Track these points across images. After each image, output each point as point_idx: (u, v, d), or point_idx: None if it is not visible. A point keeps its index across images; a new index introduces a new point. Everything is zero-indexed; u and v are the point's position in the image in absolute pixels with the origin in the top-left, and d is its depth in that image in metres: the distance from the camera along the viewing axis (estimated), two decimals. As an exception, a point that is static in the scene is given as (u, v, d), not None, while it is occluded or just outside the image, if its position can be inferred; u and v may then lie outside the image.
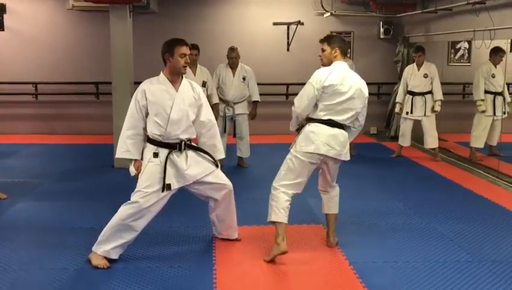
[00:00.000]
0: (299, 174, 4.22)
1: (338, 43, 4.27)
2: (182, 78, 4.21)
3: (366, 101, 4.31)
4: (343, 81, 4.13)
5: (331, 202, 4.52)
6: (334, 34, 4.38)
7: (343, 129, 4.22)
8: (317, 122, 4.17)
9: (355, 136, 4.48)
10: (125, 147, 4.12)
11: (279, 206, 4.20)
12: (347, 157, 4.29)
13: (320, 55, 4.35)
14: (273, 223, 4.24)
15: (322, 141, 4.13)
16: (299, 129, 4.34)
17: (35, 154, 8.37)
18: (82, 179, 6.82)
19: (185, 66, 4.09)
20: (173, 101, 4.08)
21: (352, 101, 4.16)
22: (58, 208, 5.56)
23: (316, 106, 4.18)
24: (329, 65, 4.24)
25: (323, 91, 4.10)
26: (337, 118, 4.16)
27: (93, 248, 4.08)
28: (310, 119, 4.23)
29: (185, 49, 4.08)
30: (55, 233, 4.80)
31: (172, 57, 4.06)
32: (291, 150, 4.26)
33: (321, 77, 4.13)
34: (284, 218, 4.21)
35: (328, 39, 4.31)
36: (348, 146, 4.29)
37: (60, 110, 10.15)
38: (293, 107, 4.26)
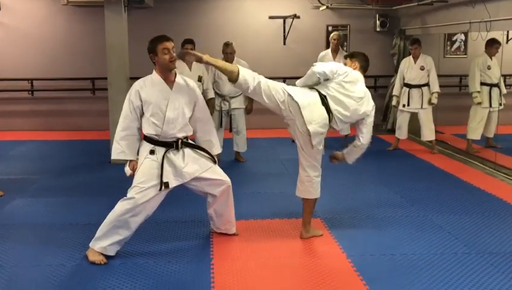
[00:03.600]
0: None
1: (358, 58, 4.60)
2: (176, 75, 4.19)
3: (370, 118, 4.48)
4: (356, 83, 4.37)
5: (298, 184, 4.57)
6: (358, 51, 4.77)
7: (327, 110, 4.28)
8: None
9: (355, 156, 4.56)
10: (120, 148, 4.11)
11: None
12: (312, 128, 4.23)
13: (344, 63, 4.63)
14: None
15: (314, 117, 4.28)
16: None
17: (31, 151, 8.35)
18: (78, 175, 6.81)
19: (172, 61, 4.06)
20: (168, 100, 4.06)
21: (353, 102, 4.33)
22: (55, 204, 5.55)
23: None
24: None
25: (335, 78, 4.31)
26: (337, 110, 4.30)
27: (90, 244, 4.08)
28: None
29: (166, 44, 4.04)
30: (52, 229, 4.79)
31: (156, 56, 4.05)
32: None
33: (345, 68, 4.41)
34: None
35: (351, 56, 4.66)
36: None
37: (56, 106, 10.12)
38: (313, 68, 4.33)
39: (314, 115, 4.19)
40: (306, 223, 4.53)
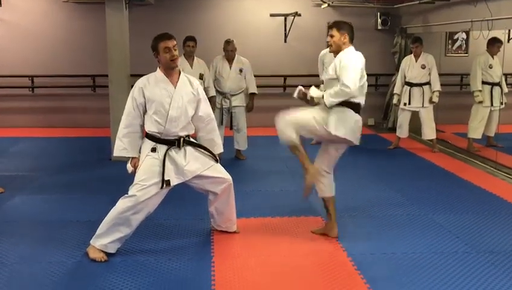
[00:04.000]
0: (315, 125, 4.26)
1: (347, 29, 4.32)
2: (180, 73, 4.19)
3: None
4: (363, 67, 4.28)
5: (331, 183, 4.51)
6: (343, 20, 4.39)
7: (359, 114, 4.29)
8: (347, 106, 4.19)
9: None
10: (122, 145, 4.10)
11: None
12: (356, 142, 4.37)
13: (328, 41, 4.35)
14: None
15: (350, 126, 4.20)
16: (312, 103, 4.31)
17: (31, 148, 8.34)
18: (79, 172, 6.80)
19: (174, 60, 4.05)
20: (171, 98, 4.06)
21: (364, 81, 4.28)
22: (56, 202, 5.55)
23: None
24: (338, 52, 4.29)
25: (362, 71, 4.23)
26: (362, 101, 4.28)
27: (91, 241, 4.07)
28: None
29: (168, 43, 4.03)
30: (52, 226, 4.78)
31: (158, 54, 4.05)
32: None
33: (358, 60, 4.22)
34: None
35: (337, 25, 4.33)
36: None
37: (56, 103, 10.11)
38: (348, 85, 4.05)
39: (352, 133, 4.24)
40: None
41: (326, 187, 4.49)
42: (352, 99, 4.16)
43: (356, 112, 4.23)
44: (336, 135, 4.16)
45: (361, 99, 4.25)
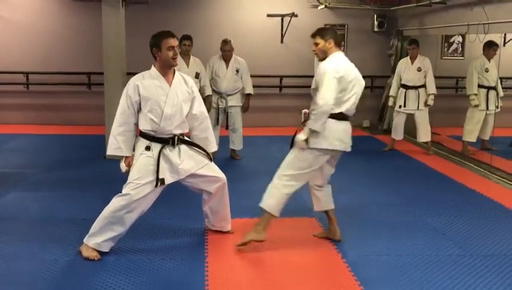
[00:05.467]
0: (309, 166, 4.18)
1: (331, 34, 4.21)
2: (174, 71, 4.17)
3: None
4: (349, 71, 4.13)
5: (327, 196, 4.48)
6: (324, 27, 4.30)
7: (348, 121, 4.23)
8: (329, 117, 4.09)
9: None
10: (116, 144, 4.07)
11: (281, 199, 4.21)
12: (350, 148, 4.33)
13: (314, 50, 4.26)
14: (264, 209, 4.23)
15: (336, 136, 4.12)
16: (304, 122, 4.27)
17: (26, 145, 8.31)
18: (73, 169, 6.78)
19: (175, 59, 4.04)
20: (167, 96, 4.04)
21: (355, 91, 4.16)
22: (49, 199, 5.52)
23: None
24: (325, 58, 4.18)
25: (339, 83, 4.05)
26: (345, 109, 4.14)
27: (85, 240, 4.05)
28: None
29: (172, 41, 4.02)
30: (45, 224, 4.76)
31: (160, 51, 4.01)
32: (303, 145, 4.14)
33: (337, 67, 4.07)
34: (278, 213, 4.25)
35: (319, 32, 4.23)
36: None
37: (51, 100, 10.08)
38: (321, 106, 3.96)
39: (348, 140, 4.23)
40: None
41: (322, 202, 4.48)
42: (332, 111, 4.07)
43: (342, 120, 4.14)
44: (319, 147, 4.10)
45: (344, 108, 4.12)
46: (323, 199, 4.47)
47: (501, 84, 7.93)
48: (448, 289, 3.67)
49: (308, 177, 4.26)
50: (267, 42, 10.16)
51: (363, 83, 4.26)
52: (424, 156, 8.01)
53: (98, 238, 4.01)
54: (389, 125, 9.48)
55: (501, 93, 7.86)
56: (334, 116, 4.09)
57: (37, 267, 3.86)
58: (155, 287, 3.63)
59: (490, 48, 7.58)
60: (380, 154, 8.18)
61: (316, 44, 4.21)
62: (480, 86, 7.70)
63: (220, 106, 7.31)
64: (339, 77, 4.03)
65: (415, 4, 8.87)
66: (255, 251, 4.24)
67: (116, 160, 4.18)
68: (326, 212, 4.52)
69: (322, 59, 4.21)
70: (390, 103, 8.37)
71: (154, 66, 4.12)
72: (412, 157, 7.91)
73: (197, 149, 4.24)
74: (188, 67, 6.93)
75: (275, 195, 4.21)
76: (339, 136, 4.13)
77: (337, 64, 4.11)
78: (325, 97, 3.97)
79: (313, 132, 4.06)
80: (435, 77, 7.99)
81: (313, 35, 4.24)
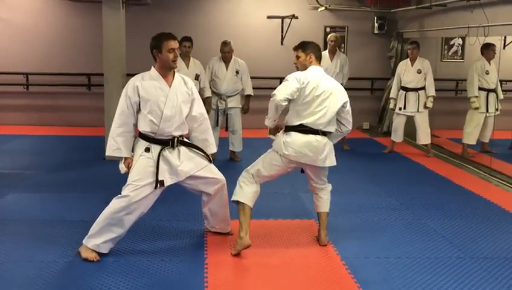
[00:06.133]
0: (273, 166, 4.33)
1: (312, 49, 4.34)
2: (174, 73, 4.17)
3: (348, 107, 4.29)
4: (319, 83, 4.17)
5: (319, 201, 4.47)
6: (307, 41, 4.43)
7: (319, 134, 4.18)
8: (291, 130, 4.19)
9: (338, 139, 4.48)
10: (115, 145, 4.06)
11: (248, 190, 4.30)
12: (326, 163, 4.24)
13: (295, 63, 4.40)
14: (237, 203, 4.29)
15: (294, 148, 4.15)
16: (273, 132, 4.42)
17: (25, 146, 8.30)
18: (73, 171, 6.77)
19: (175, 61, 4.04)
20: (166, 98, 4.03)
21: (325, 104, 4.16)
22: (49, 200, 5.52)
23: (288, 111, 4.25)
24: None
25: (300, 91, 4.12)
26: (309, 121, 4.14)
27: (84, 241, 4.05)
28: (286, 128, 4.26)
29: (173, 43, 4.02)
30: (45, 225, 4.75)
31: (160, 53, 4.01)
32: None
33: (300, 76, 4.18)
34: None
35: (301, 46, 4.36)
36: (327, 151, 4.23)
37: (51, 101, 10.07)
38: (272, 98, 4.18)
39: (324, 156, 4.21)
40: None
41: (318, 204, 4.48)
42: (292, 123, 4.19)
43: (305, 133, 4.15)
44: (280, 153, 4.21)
45: (307, 120, 4.15)
46: (314, 201, 4.52)
47: (501, 86, 7.94)
48: (448, 291, 3.68)
49: (270, 171, 4.36)
50: (267, 44, 10.16)
51: (342, 97, 4.25)
52: (424, 158, 8.00)
53: (97, 240, 4.00)
54: (388, 128, 9.48)
55: (501, 96, 7.87)
56: (293, 128, 4.20)
57: (36, 269, 3.86)
58: (154, 288, 3.63)
59: (489, 48, 7.59)
60: (379, 156, 8.18)
61: (298, 57, 4.36)
62: (480, 89, 7.70)
63: (219, 108, 7.31)
64: (298, 86, 4.14)
65: (415, 6, 8.88)
66: (254, 253, 4.24)
67: (116, 161, 4.18)
68: (318, 215, 4.53)
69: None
70: (391, 106, 8.37)
71: (154, 67, 4.12)
72: (411, 160, 7.91)
73: (196, 151, 4.24)
74: (187, 68, 6.93)
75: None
76: (296, 147, 4.15)
77: (306, 75, 4.20)
78: (276, 93, 4.18)
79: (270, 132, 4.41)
80: (435, 79, 7.99)
81: (295, 48, 4.41)
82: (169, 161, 4.06)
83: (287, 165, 4.28)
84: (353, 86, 8.60)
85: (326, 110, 4.16)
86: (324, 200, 4.47)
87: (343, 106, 4.25)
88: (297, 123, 4.17)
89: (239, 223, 4.23)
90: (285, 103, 4.16)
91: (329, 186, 4.50)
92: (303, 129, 4.16)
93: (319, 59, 4.35)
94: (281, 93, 4.15)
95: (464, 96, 8.04)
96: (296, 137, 4.16)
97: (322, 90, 4.15)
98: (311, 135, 4.16)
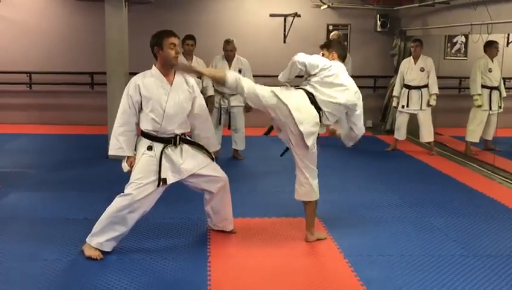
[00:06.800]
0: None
1: (335, 47, 4.50)
2: (175, 71, 4.17)
3: (358, 111, 4.35)
4: (339, 74, 4.28)
5: (296, 187, 4.40)
6: (334, 40, 4.57)
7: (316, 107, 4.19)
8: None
9: (351, 141, 4.57)
10: (118, 144, 4.07)
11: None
12: (301, 128, 4.10)
13: None
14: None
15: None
16: None
17: (28, 144, 8.32)
18: (76, 169, 6.78)
19: (176, 57, 4.04)
20: (168, 96, 4.04)
21: (338, 95, 4.21)
22: (52, 199, 5.52)
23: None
24: None
25: (321, 71, 4.22)
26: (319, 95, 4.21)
27: (87, 240, 4.05)
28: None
29: (174, 39, 4.02)
30: (48, 224, 4.76)
31: (161, 50, 4.01)
32: None
33: (325, 60, 4.33)
34: None
35: (326, 45, 4.56)
36: (315, 129, 4.19)
37: (54, 100, 10.09)
38: (294, 57, 4.27)
39: (304, 115, 4.11)
40: (310, 225, 4.46)
41: (305, 191, 4.38)
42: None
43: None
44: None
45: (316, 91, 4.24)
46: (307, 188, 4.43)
47: (504, 84, 7.92)
48: (451, 289, 3.66)
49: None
50: (270, 42, 10.15)
51: (354, 98, 4.33)
52: (427, 156, 7.99)
53: (100, 238, 4.01)
54: (391, 125, 9.47)
55: (504, 94, 7.85)
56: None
57: (39, 267, 3.86)
58: (157, 286, 3.63)
59: (491, 46, 7.57)
60: (382, 154, 8.17)
61: (322, 55, 4.49)
62: (483, 86, 7.68)
63: (222, 106, 7.31)
64: (320, 65, 4.24)
65: (418, 4, 8.86)
66: (257, 251, 4.24)
67: (119, 160, 4.18)
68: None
69: None
70: (394, 104, 8.35)
71: (155, 65, 4.12)
72: (414, 158, 7.89)
73: (198, 149, 4.24)
74: (190, 67, 6.93)
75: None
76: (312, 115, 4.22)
77: (330, 62, 4.35)
78: (299, 54, 4.27)
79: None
80: (438, 77, 7.97)
81: (321, 47, 4.59)
82: (171, 159, 4.06)
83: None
84: (356, 84, 8.55)
85: (339, 99, 4.25)
86: (304, 189, 4.36)
87: (353, 108, 4.31)
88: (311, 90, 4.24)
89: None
90: (302, 67, 4.22)
91: (307, 176, 4.34)
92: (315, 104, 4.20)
93: (341, 57, 4.49)
94: (303, 57, 4.24)
95: (467, 94, 8.03)
96: (306, 106, 4.18)
97: (340, 82, 4.27)
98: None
